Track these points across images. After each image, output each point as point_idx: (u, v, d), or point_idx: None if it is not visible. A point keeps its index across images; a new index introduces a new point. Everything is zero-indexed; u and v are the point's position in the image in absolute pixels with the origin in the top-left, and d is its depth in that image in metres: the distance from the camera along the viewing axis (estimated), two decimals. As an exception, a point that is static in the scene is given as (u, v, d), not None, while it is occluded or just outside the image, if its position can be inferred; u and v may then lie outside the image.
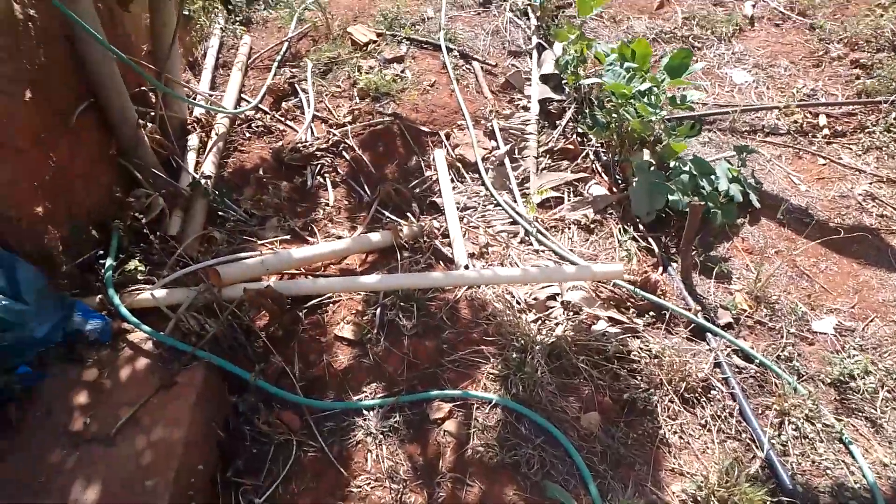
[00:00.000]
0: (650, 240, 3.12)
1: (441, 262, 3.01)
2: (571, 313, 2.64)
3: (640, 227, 3.17)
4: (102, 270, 2.46)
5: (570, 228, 3.22)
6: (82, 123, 2.77)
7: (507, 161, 3.67)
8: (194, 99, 3.87)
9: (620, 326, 2.57)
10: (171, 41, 3.24)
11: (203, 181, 3.09)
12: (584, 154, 3.66)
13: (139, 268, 2.44)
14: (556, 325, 2.57)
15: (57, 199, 2.54)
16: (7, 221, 2.21)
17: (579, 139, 3.79)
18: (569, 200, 3.41)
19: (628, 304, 2.72)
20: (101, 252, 2.56)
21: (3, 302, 1.89)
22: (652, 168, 3.18)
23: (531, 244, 3.18)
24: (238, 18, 4.96)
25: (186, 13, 4.09)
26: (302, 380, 2.42)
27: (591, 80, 3.48)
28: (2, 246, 2.16)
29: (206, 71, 4.31)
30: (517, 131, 3.85)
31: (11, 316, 1.92)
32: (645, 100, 3.13)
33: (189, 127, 3.62)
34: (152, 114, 3.26)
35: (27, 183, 2.35)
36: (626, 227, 3.18)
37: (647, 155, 3.27)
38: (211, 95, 4.05)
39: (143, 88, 3.38)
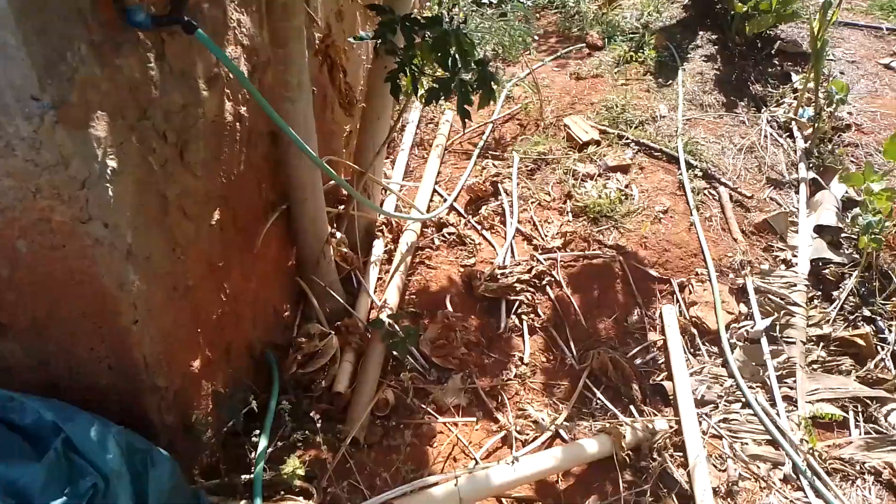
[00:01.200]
0: None
1: (674, 499, 2.20)
2: None
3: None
4: (252, 455, 1.92)
5: (864, 479, 2.28)
6: (264, 237, 2.30)
7: (763, 341, 2.78)
8: (387, 194, 3.36)
9: None
10: (382, 140, 2.74)
11: (385, 318, 2.52)
12: (877, 356, 2.69)
13: (297, 471, 1.86)
14: None
15: (218, 341, 2.05)
16: (154, 392, 1.72)
17: (866, 326, 2.81)
18: (857, 428, 2.46)
19: None
20: (255, 428, 2.03)
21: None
22: None
23: (801, 487, 2.27)
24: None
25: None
26: None
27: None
28: (140, 422, 1.67)
29: (402, 153, 3.83)
30: (777, 297, 2.95)
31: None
32: None
33: (377, 230, 3.11)
34: (342, 209, 2.77)
35: (189, 331, 1.87)
36: (957, 501, 2.19)
37: None
38: (403, 189, 3.54)
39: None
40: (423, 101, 2.31)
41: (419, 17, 2.32)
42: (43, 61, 1.26)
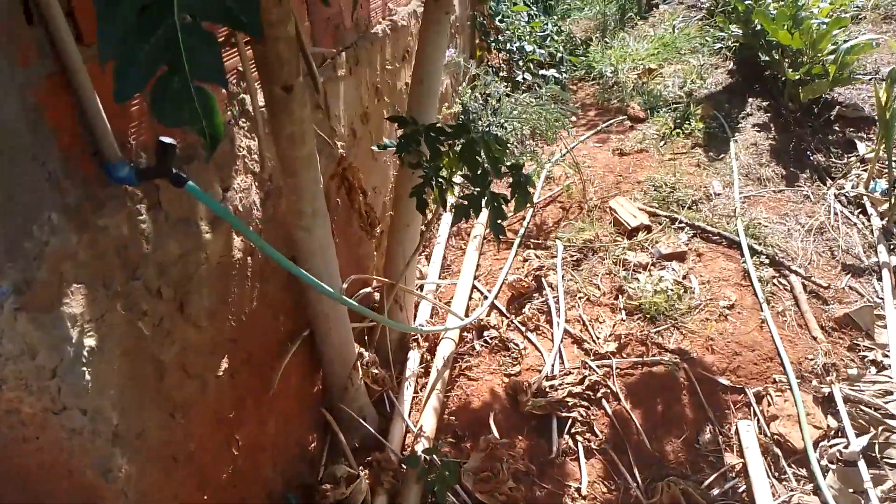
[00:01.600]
0: None
1: None
2: None
3: None
4: None
5: None
6: (284, 369, 2.08)
7: (861, 464, 2.38)
8: (423, 299, 3.14)
9: None
10: (413, 248, 2.54)
11: (421, 453, 2.24)
12: None
13: None
14: None
15: (230, 500, 1.81)
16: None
17: None
18: None
19: None
20: None
21: None
22: None
23: None
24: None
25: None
26: None
27: None
28: None
29: (438, 246, 3.63)
30: (871, 408, 2.55)
31: None
32: None
33: (412, 340, 2.87)
34: (370, 323, 2.55)
35: (193, 501, 1.64)
36: None
37: None
38: (440, 288, 3.32)
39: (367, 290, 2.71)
40: (453, 217, 2.10)
41: (444, 126, 2.14)
42: (3, 244, 1.09)
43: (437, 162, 2.13)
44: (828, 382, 2.65)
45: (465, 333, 3.05)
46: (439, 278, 3.43)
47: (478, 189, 2.07)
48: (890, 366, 2.70)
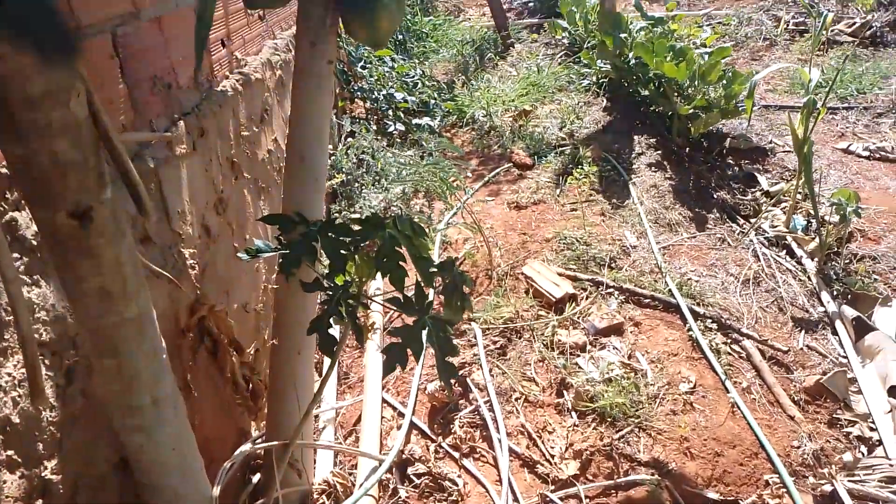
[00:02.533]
0: None
1: None
2: None
3: None
4: None
5: None
6: None
7: (898, 586, 1.95)
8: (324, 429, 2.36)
9: None
10: (311, 392, 1.79)
11: None
12: None
13: None
14: None
15: None
16: None
17: None
18: None
19: None
20: None
21: None
22: None
23: None
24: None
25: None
26: None
27: None
28: None
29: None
30: (879, 502, 2.16)
31: None
32: None
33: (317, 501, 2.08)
34: (257, 480, 1.75)
35: None
36: None
37: None
38: (339, 413, 2.55)
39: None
40: (384, 366, 1.39)
41: (348, 223, 1.45)
42: None
43: (344, 276, 1.42)
44: (826, 477, 2.24)
45: (385, 476, 2.30)
46: (337, 396, 2.67)
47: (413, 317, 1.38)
48: (880, 440, 2.35)
